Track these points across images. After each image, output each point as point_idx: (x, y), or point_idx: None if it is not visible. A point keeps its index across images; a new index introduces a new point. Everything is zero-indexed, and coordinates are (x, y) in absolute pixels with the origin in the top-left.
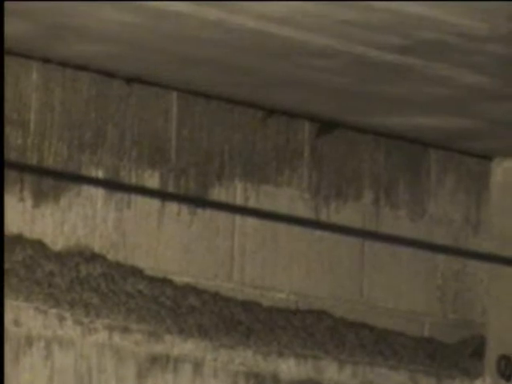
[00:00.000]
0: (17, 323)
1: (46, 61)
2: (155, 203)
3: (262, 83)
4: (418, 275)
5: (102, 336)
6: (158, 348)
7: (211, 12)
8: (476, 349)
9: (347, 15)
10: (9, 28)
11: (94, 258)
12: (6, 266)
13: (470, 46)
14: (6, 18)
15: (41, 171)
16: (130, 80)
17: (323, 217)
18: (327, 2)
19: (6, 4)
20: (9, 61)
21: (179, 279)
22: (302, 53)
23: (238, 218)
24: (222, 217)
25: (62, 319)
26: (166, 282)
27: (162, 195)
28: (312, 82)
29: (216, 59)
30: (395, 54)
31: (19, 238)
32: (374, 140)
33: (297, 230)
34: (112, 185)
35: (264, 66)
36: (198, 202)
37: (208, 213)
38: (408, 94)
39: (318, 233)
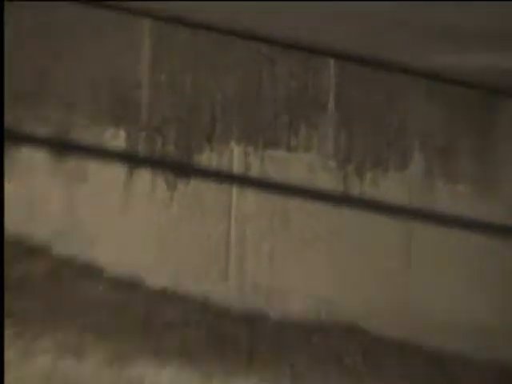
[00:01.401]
0: None
1: None
2: (119, 174)
3: (267, 6)
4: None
5: None
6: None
7: None
8: None
9: None
10: None
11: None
12: None
13: None
14: None
15: None
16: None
17: (355, 192)
18: None
19: None
20: None
21: (152, 281)
22: None
23: (235, 194)
24: (212, 192)
25: None
26: (134, 286)
27: (130, 161)
28: (337, 5)
29: None
30: None
31: None
32: (424, 85)
33: (316, 209)
34: (59, 146)
35: None
36: (181, 170)
37: (192, 187)
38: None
39: (347, 214)
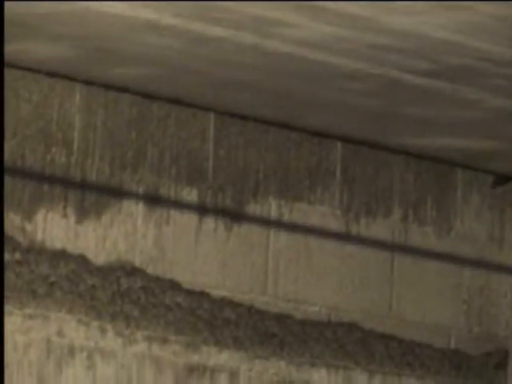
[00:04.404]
0: (60, 334)
1: (89, 83)
2: (193, 220)
3: (296, 105)
4: (444, 290)
5: (141, 347)
6: (196, 358)
7: (248, 37)
8: (500, 361)
9: (379, 40)
10: (53, 51)
11: (134, 272)
12: (51, 279)
13: (495, 70)
14: (52, 42)
15: (84, 187)
16: (169, 101)
17: (354, 233)
18: (360, 27)
19: (53, 28)
20: (53, 83)
21: (216, 293)
22: (335, 76)
23: (272, 235)
24: (256, 233)
25: (103, 331)
26: (203, 295)
27: (200, 210)
28: (344, 104)
29: (252, 82)
30: (424, 77)
31: (63, 253)
32: (403, 160)
33: (328, 245)
34: (152, 200)
35: (298, 88)
36: (235, 217)
37: (243, 229)
38: (436, 116)
39: (349, 249)
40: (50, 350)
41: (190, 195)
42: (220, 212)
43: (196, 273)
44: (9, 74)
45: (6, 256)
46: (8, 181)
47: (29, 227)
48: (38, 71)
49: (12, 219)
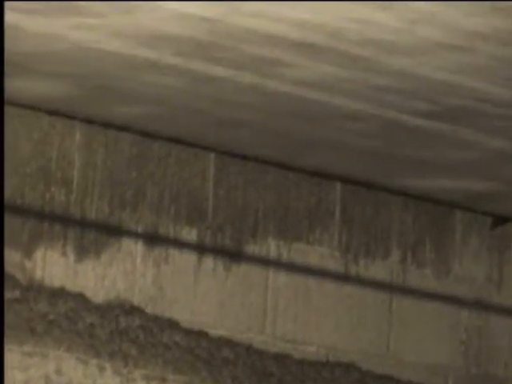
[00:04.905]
0: (59, 372)
1: (89, 121)
2: (192, 259)
3: (295, 145)
4: (442, 331)
5: None
6: None
7: (248, 77)
8: None
9: (379, 81)
10: (54, 89)
11: (133, 310)
12: (50, 317)
13: (494, 111)
14: (52, 80)
15: (83, 226)
16: (169, 141)
17: (352, 274)
18: (360, 68)
19: (53, 66)
20: (53, 121)
21: (214, 332)
22: (335, 116)
23: (271, 275)
24: (255, 273)
25: (101, 369)
26: (201, 334)
27: (199, 249)
28: (344, 144)
29: (251, 122)
30: (424, 118)
31: (62, 291)
32: (402, 201)
33: (327, 286)
34: (151, 239)
35: (298, 128)
36: (235, 256)
37: (242, 269)
38: (435, 157)
39: (348, 289)
40: None
41: (190, 234)
42: (219, 251)
43: (194, 312)
44: (9, 111)
45: (5, 293)
46: (8, 218)
47: (28, 265)
48: (38, 109)
49: (11, 257)
